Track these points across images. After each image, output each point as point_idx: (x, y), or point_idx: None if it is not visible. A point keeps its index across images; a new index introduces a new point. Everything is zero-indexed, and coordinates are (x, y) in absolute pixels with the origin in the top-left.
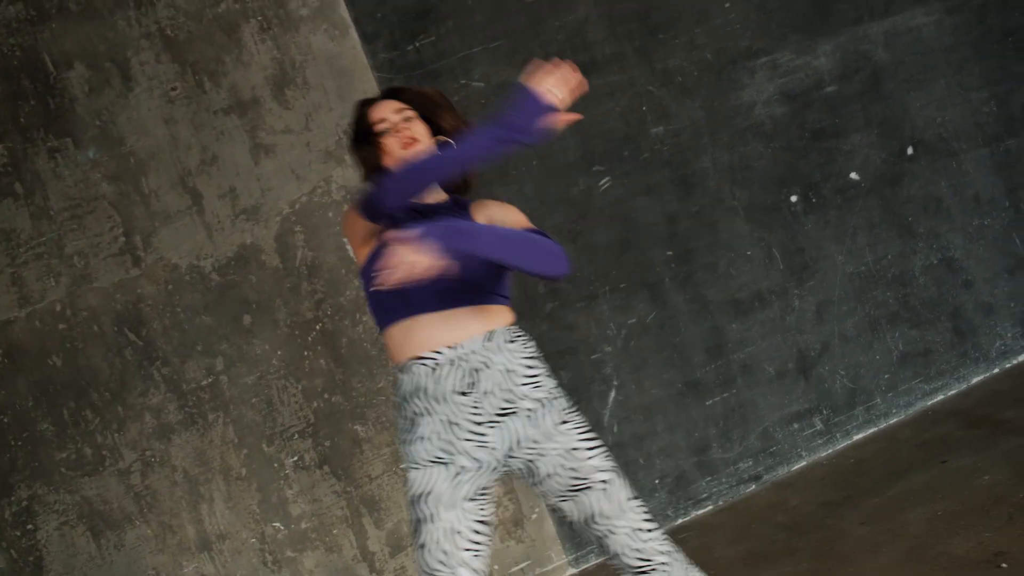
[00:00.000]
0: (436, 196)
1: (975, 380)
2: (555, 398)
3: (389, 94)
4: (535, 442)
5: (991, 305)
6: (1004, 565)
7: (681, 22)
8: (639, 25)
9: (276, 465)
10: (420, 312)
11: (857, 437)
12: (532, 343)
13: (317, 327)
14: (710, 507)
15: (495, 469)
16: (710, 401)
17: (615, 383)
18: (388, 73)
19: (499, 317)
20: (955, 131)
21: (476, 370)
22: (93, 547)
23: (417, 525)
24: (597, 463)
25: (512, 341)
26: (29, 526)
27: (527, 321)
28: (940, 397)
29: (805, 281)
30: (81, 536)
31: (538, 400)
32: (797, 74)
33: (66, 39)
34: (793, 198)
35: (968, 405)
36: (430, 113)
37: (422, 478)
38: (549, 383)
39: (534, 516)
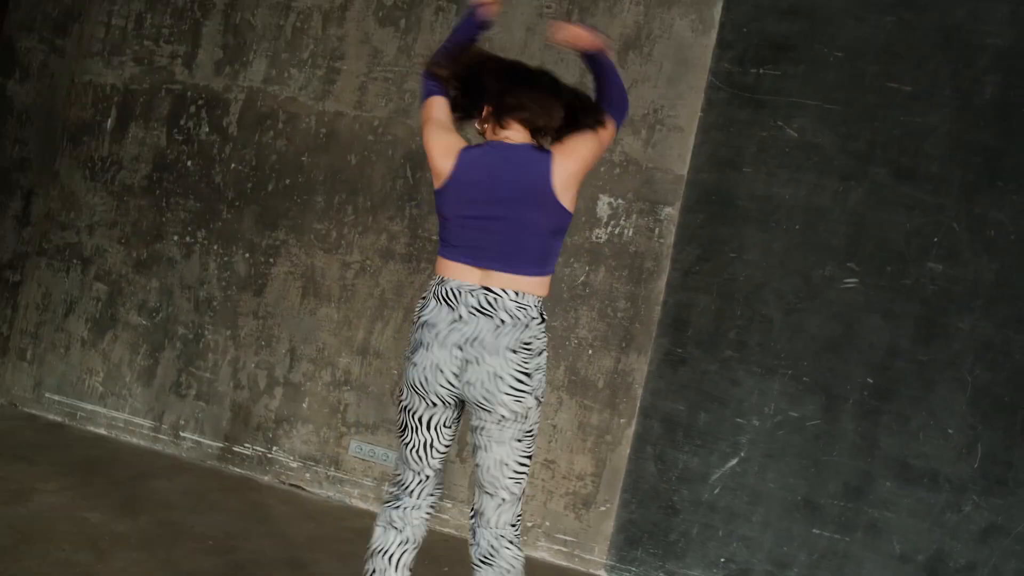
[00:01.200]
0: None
1: None
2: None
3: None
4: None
5: None
6: None
7: None
8: (984, 160)
9: None
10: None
11: None
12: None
13: None
14: None
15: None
16: (818, 530)
17: (742, 454)
18: (722, 82)
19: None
20: None
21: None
22: (296, 299)
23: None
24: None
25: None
26: (271, 259)
27: (709, 347)
28: None
29: (994, 495)
30: (294, 287)
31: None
32: None
33: None
34: None
35: None
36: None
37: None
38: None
39: (603, 508)
